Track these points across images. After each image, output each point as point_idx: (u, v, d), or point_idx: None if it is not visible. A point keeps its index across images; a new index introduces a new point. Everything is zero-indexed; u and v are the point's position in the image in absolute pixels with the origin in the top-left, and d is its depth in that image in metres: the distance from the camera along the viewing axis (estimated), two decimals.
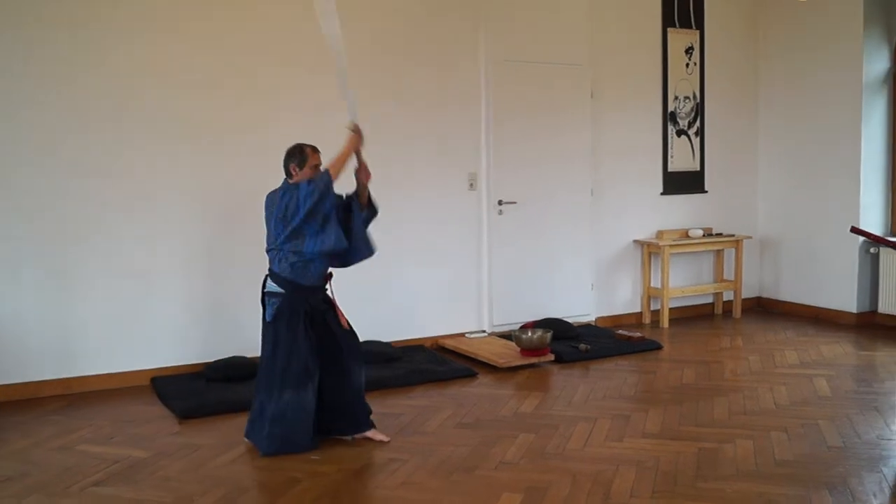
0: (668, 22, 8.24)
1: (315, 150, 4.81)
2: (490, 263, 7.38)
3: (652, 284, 8.19)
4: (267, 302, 4.72)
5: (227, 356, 6.22)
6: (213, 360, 6.20)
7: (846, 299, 8.02)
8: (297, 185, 4.60)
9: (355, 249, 4.86)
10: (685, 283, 8.41)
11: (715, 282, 8.63)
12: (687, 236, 8.23)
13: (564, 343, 6.92)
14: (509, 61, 7.35)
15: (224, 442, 4.84)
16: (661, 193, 8.33)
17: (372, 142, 6.73)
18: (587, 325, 7.73)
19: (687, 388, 5.90)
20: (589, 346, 6.83)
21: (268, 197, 4.77)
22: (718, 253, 8.61)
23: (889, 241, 4.80)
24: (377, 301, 6.88)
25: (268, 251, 4.75)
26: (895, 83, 8.00)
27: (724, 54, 8.62)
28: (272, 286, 4.71)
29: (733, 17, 8.67)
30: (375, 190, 6.78)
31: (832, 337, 7.39)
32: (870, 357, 6.77)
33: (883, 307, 7.75)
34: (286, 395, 4.61)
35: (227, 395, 5.63)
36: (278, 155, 4.82)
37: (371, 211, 5.07)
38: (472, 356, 6.69)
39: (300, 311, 4.68)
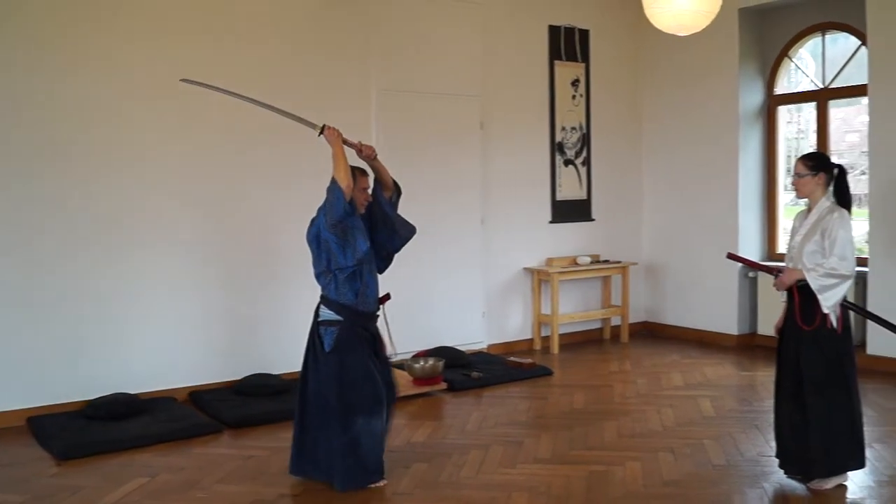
0: (555, 55, 8.43)
1: (364, 172, 4.67)
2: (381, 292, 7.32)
3: (542, 311, 8.29)
4: (323, 332, 4.53)
5: (109, 392, 5.98)
6: (94, 397, 5.95)
7: (727, 322, 8.29)
8: (321, 207, 4.53)
9: (396, 235, 4.78)
10: (574, 309, 8.55)
11: (603, 307, 8.80)
12: (575, 263, 8.38)
13: (456, 371, 6.92)
14: (399, 91, 7.38)
15: (109, 482, 4.64)
16: (550, 221, 8.47)
17: (259, 176, 6.69)
18: (479, 353, 7.76)
19: (577, 412, 5.98)
20: (481, 374, 6.85)
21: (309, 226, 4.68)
22: (606, 279, 8.79)
23: (762, 266, 4.93)
24: (265, 332, 6.77)
25: (318, 276, 4.61)
26: (769, 115, 8.37)
27: (609, 87, 8.86)
28: (328, 314, 4.55)
29: (617, 51, 8.93)
30: (264, 216, 6.73)
31: (715, 358, 7.62)
32: (750, 377, 7.00)
33: (762, 329, 8.03)
34: (358, 422, 4.42)
35: (112, 433, 5.40)
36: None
37: (396, 190, 4.96)
38: None
39: (363, 337, 4.55)
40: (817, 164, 4.45)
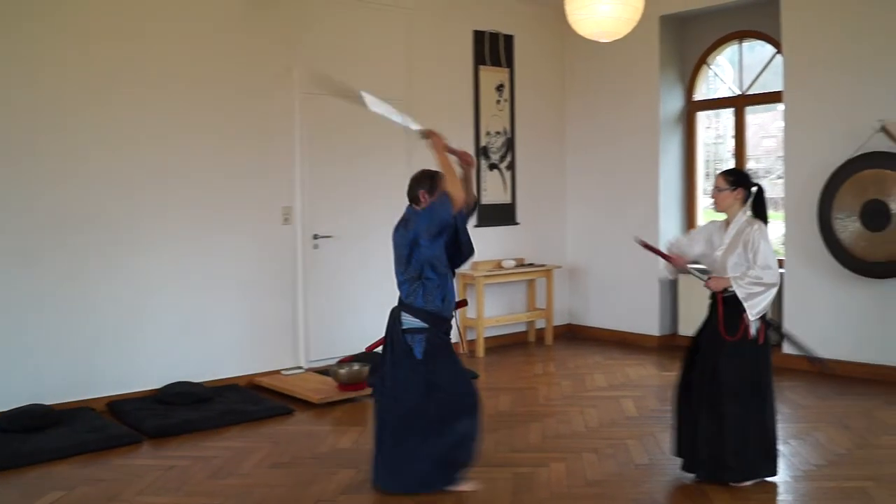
0: (479, 60, 8.47)
1: (442, 176, 4.61)
2: (306, 298, 7.28)
3: (468, 315, 8.31)
4: (411, 340, 4.44)
5: (22, 404, 5.79)
6: (6, 409, 5.75)
7: (649, 323, 8.44)
8: (423, 213, 4.44)
9: (461, 253, 4.67)
10: (499, 312, 8.60)
11: (528, 310, 8.87)
12: (500, 267, 8.43)
13: None
14: (324, 95, 7.31)
15: (26, 496, 4.49)
16: (475, 226, 8.49)
17: (180, 175, 6.57)
18: None
19: (503, 415, 6.00)
20: None
21: (395, 231, 4.57)
22: (531, 282, 8.86)
23: (664, 255, 4.87)
24: (187, 339, 6.63)
25: (402, 283, 4.50)
26: (689, 120, 8.55)
27: (533, 92, 8.94)
28: (413, 322, 4.45)
29: (541, 57, 9.02)
30: (185, 218, 6.60)
31: (637, 359, 7.74)
32: (671, 377, 7.07)
33: (682, 330, 8.18)
34: (457, 427, 4.40)
35: (28, 445, 5.21)
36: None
37: (474, 203, 4.86)
38: (289, 393, 6.54)
39: (447, 341, 4.50)
40: (737, 179, 4.59)
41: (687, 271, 4.89)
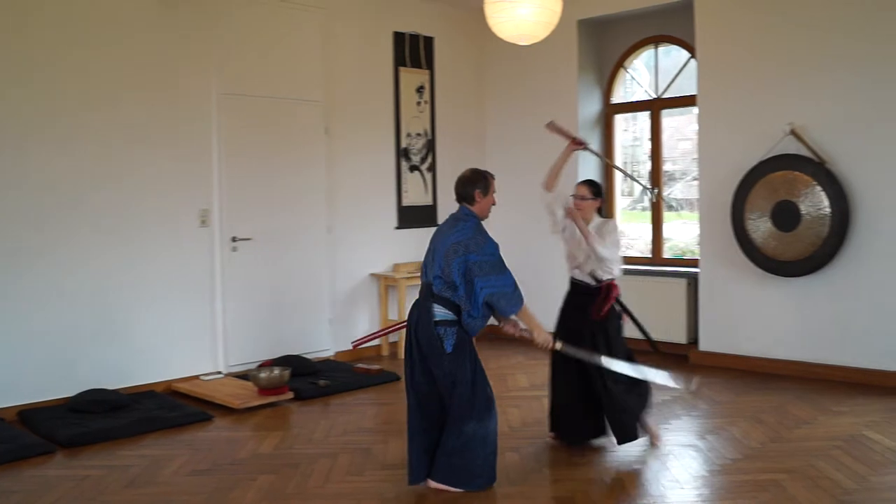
0: (399, 61, 8.45)
1: (493, 177, 4.70)
2: (224, 302, 7.16)
3: (389, 317, 8.29)
4: (442, 332, 4.36)
5: None
6: None
7: None
8: (492, 264, 4.42)
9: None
10: None
11: None
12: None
13: (303, 380, 6.83)
14: (243, 95, 7.23)
15: None
16: (396, 227, 8.49)
17: (91, 177, 6.39)
18: (326, 361, 7.68)
19: None
20: (328, 382, 6.78)
21: (441, 228, 4.56)
22: None
23: (570, 135, 5.62)
24: (102, 345, 6.46)
25: (436, 278, 4.43)
26: (607, 123, 8.68)
27: (453, 94, 8.97)
28: (445, 313, 4.38)
29: (462, 59, 9.06)
30: (98, 221, 6.43)
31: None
32: None
33: None
34: (472, 423, 4.40)
35: None
36: None
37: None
38: (208, 399, 6.43)
39: (471, 339, 4.50)
40: (597, 190, 5.35)
41: (586, 148, 5.66)
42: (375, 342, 8.25)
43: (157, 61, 6.75)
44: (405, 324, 4.73)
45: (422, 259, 8.48)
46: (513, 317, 4.61)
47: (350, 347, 7.14)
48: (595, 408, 5.15)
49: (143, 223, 6.71)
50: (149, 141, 6.73)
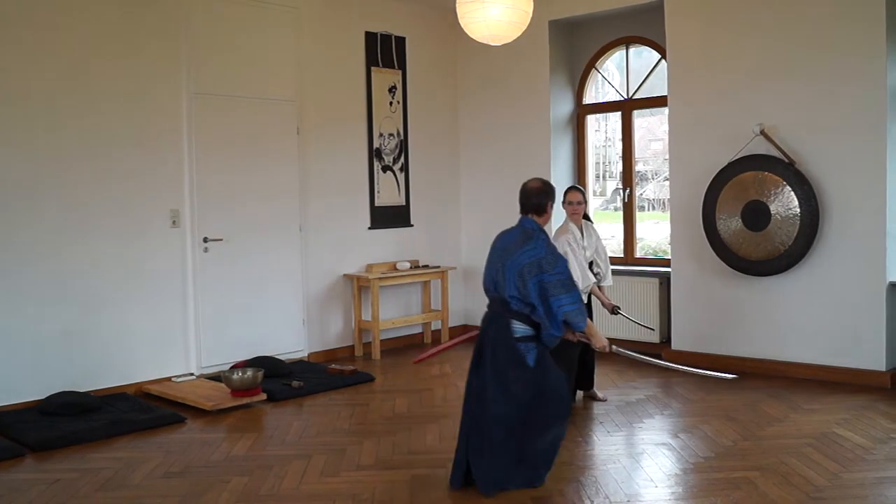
0: (371, 61, 8.43)
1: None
2: (196, 303, 7.11)
3: (363, 317, 8.27)
4: (524, 348, 4.38)
5: None
6: None
7: None
8: (563, 282, 4.35)
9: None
10: (395, 314, 8.59)
11: (423, 312, 8.88)
12: (395, 269, 8.41)
13: (276, 381, 6.80)
14: (213, 94, 7.18)
15: None
16: (369, 228, 8.47)
17: (60, 177, 6.32)
18: (300, 362, 7.65)
19: (400, 417, 6.00)
20: (302, 383, 6.75)
21: (506, 240, 4.50)
22: (426, 284, 8.88)
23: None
24: (72, 347, 6.39)
25: (511, 297, 4.38)
26: (579, 123, 8.72)
27: (425, 94, 8.96)
28: (525, 329, 4.39)
29: (434, 59, 9.05)
30: (67, 221, 6.36)
31: None
32: None
33: None
34: (558, 426, 4.50)
35: None
36: None
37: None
38: (180, 401, 6.38)
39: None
40: (585, 194, 5.88)
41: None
42: (349, 343, 8.25)
43: (127, 59, 6.69)
44: (471, 336, 4.81)
45: (395, 260, 8.51)
46: None
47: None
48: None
49: (113, 223, 6.64)
50: (118, 140, 6.66)
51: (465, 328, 9.30)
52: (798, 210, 6.72)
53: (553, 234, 6.00)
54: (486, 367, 4.45)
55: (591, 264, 5.96)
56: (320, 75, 8.01)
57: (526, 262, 4.36)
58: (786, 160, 6.78)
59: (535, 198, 4.60)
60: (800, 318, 6.91)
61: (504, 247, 4.55)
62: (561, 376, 4.57)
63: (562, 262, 4.44)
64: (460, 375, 7.23)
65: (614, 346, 4.82)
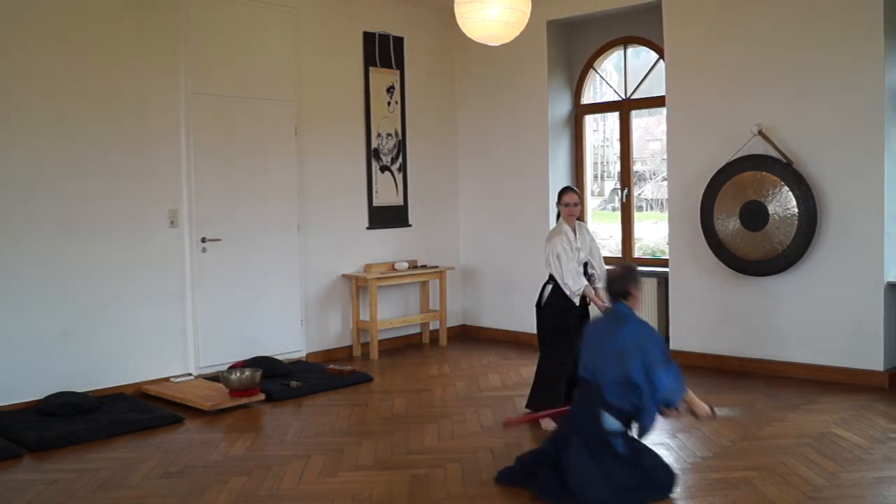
0: (369, 61, 8.43)
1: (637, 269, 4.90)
2: (194, 303, 7.11)
3: (361, 317, 8.27)
4: (612, 440, 4.33)
5: None
6: None
7: None
8: (663, 359, 4.36)
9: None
10: (393, 314, 8.59)
11: (421, 312, 8.88)
12: (393, 269, 8.41)
13: (275, 381, 6.79)
14: (211, 95, 7.18)
15: None
16: (367, 228, 8.47)
17: (59, 177, 6.32)
18: (298, 362, 7.65)
19: (398, 417, 6.00)
20: (300, 383, 6.76)
21: (602, 327, 4.45)
22: (424, 284, 8.88)
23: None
24: (70, 347, 6.39)
25: (609, 384, 4.33)
26: (577, 124, 8.72)
27: (424, 94, 8.96)
28: (615, 424, 4.35)
29: (432, 59, 9.05)
30: (65, 221, 6.36)
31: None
32: None
33: None
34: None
35: None
36: None
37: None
38: (179, 401, 6.38)
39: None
40: (581, 196, 6.02)
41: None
42: (347, 343, 8.25)
43: (125, 59, 6.69)
44: (563, 411, 4.79)
45: (394, 260, 8.51)
46: None
47: None
48: None
49: (111, 223, 6.64)
50: (117, 141, 6.66)
51: (463, 328, 9.30)
52: (796, 210, 6.73)
53: (547, 236, 6.01)
54: (577, 454, 4.33)
55: (585, 265, 5.94)
56: (318, 75, 8.01)
57: (627, 346, 4.34)
58: (784, 160, 6.79)
59: (616, 284, 4.61)
60: (797, 318, 6.91)
61: (600, 333, 4.58)
62: (656, 454, 4.50)
63: (659, 338, 4.49)
64: (459, 375, 7.27)
65: (716, 409, 4.67)
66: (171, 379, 6.93)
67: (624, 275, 4.64)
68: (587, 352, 4.60)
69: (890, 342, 6.60)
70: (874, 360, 6.57)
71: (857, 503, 4.14)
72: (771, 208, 6.86)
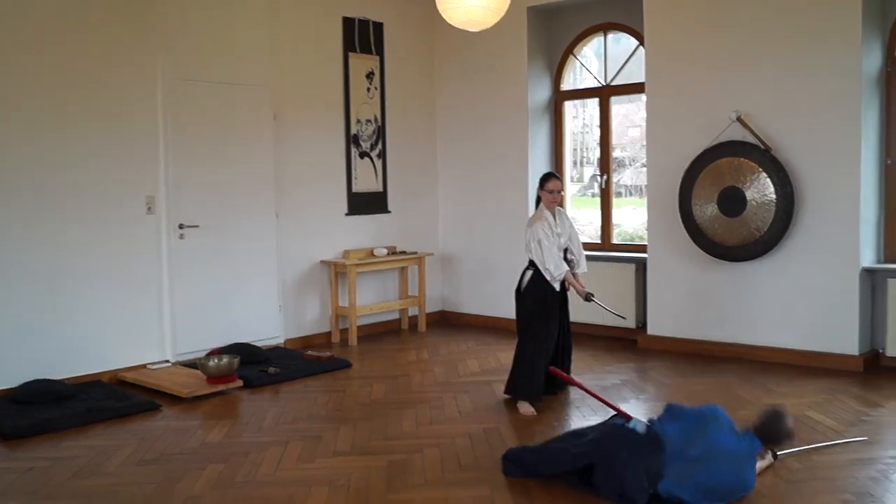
0: (349, 47, 8.39)
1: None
2: (172, 289, 7.07)
3: (340, 303, 8.26)
4: None
5: None
6: None
7: None
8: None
9: None
10: (372, 300, 8.58)
11: (400, 298, 8.87)
12: (372, 255, 8.40)
13: (253, 367, 6.77)
14: (189, 80, 7.11)
15: None
16: (346, 214, 8.44)
17: (34, 163, 6.26)
18: (276, 348, 7.63)
19: (376, 403, 5.99)
20: (278, 369, 6.74)
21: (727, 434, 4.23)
22: (403, 270, 8.87)
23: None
24: (46, 334, 6.34)
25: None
26: (556, 110, 8.72)
27: (403, 80, 8.92)
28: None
29: (411, 45, 9.01)
30: (41, 207, 6.30)
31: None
32: None
33: None
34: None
35: None
36: None
37: None
38: (156, 388, 6.34)
39: None
40: (563, 182, 6.02)
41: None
42: (326, 329, 8.24)
43: (100, 45, 6.62)
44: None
45: (373, 246, 8.49)
46: None
47: None
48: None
49: (87, 209, 6.58)
50: (93, 127, 6.60)
51: (441, 314, 9.31)
52: (773, 196, 6.76)
53: (528, 222, 6.02)
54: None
55: (565, 251, 5.96)
56: (298, 61, 7.96)
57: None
58: (762, 146, 6.81)
59: (771, 429, 4.39)
60: (774, 303, 6.96)
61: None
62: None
63: None
64: (437, 361, 7.28)
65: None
66: (149, 366, 6.89)
67: (777, 423, 4.38)
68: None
69: (864, 326, 6.66)
70: (849, 345, 6.62)
71: (830, 485, 4.18)
72: (749, 194, 6.88)
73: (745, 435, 4.29)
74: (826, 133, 6.63)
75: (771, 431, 4.36)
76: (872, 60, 6.59)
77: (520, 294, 5.98)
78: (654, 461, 4.04)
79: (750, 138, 6.88)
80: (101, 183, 6.65)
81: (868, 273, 6.66)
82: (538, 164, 8.51)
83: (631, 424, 4.34)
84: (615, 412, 4.75)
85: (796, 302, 6.84)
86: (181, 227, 7.10)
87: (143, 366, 6.88)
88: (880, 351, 6.69)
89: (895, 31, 6.71)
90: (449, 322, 9.23)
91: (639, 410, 5.68)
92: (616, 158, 8.67)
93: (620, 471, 4.04)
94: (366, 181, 8.60)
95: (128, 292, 6.82)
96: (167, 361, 7.04)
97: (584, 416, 5.57)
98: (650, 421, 4.37)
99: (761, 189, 6.82)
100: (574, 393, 6.10)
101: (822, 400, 5.76)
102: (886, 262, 6.79)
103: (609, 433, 4.33)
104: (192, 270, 7.19)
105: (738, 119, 6.90)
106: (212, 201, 7.30)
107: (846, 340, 6.63)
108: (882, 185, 6.80)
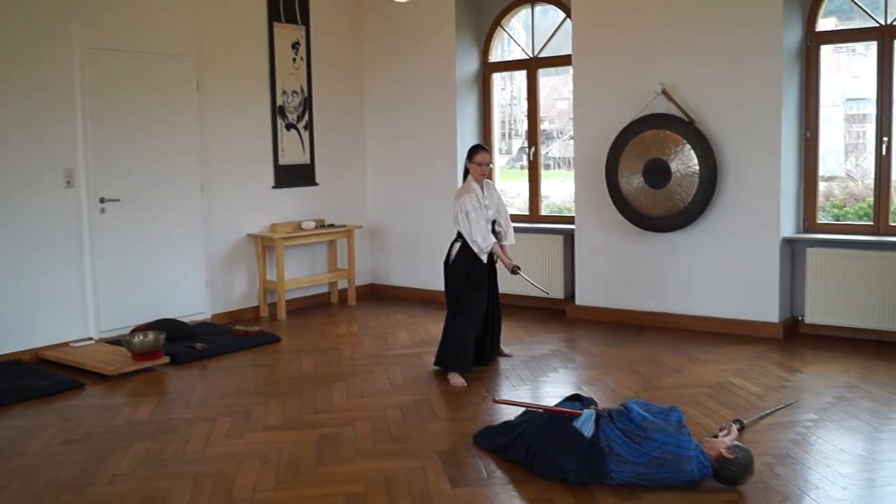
0: (274, 16, 8.23)
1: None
2: (93, 265, 6.90)
3: (268, 277, 8.17)
4: None
5: None
6: None
7: None
8: None
9: None
10: (301, 274, 8.50)
11: (329, 272, 8.82)
12: (300, 228, 8.31)
13: (180, 343, 6.67)
14: (108, 49, 6.91)
15: None
16: (273, 187, 8.33)
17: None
18: (203, 324, 7.52)
19: (306, 377, 5.96)
20: (205, 345, 6.65)
21: None
22: (332, 243, 8.81)
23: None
24: None
25: None
26: (485, 82, 8.71)
27: (330, 50, 8.80)
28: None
29: (338, 15, 8.89)
30: None
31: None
32: None
33: None
34: None
35: None
36: None
37: None
38: (79, 366, 6.20)
39: None
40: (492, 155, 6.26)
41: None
42: (254, 303, 8.15)
43: (15, 11, 6.38)
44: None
45: (300, 219, 8.40)
46: None
47: None
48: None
49: (2, 183, 6.37)
50: (7, 96, 6.37)
51: (371, 287, 9.28)
52: (697, 168, 6.88)
53: (455, 193, 6.02)
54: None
55: (493, 223, 5.99)
56: (221, 30, 7.79)
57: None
58: (686, 119, 6.92)
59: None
60: (698, 273, 7.11)
61: None
62: None
63: None
64: (367, 334, 7.26)
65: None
66: (71, 344, 6.73)
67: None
68: None
69: (784, 295, 6.85)
70: (769, 312, 6.80)
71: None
72: (673, 166, 6.99)
73: (669, 411, 4.21)
74: (748, 106, 6.76)
75: (732, 470, 3.93)
76: (793, 35, 6.73)
77: (448, 266, 5.99)
78: (598, 468, 4.01)
79: (675, 111, 6.98)
80: (16, 155, 6.43)
81: (788, 243, 6.84)
82: (467, 137, 8.51)
83: (578, 423, 4.16)
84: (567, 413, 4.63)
85: (719, 272, 7.00)
86: (102, 200, 6.92)
87: (66, 344, 6.72)
88: (799, 318, 6.89)
89: (814, 6, 6.85)
90: (379, 295, 9.21)
91: (568, 379, 5.77)
92: (544, 131, 8.71)
93: (562, 473, 4.05)
94: (293, 153, 8.49)
95: (48, 269, 6.63)
96: (90, 339, 6.88)
97: (513, 385, 5.63)
98: (599, 414, 4.24)
99: (685, 161, 6.93)
100: (504, 363, 6.17)
101: (744, 366, 5.92)
102: (805, 232, 6.98)
103: (553, 441, 4.17)
104: (114, 245, 7.03)
105: (663, 92, 6.99)
106: (134, 174, 7.13)
107: (767, 309, 6.81)
108: (801, 157, 6.97)
